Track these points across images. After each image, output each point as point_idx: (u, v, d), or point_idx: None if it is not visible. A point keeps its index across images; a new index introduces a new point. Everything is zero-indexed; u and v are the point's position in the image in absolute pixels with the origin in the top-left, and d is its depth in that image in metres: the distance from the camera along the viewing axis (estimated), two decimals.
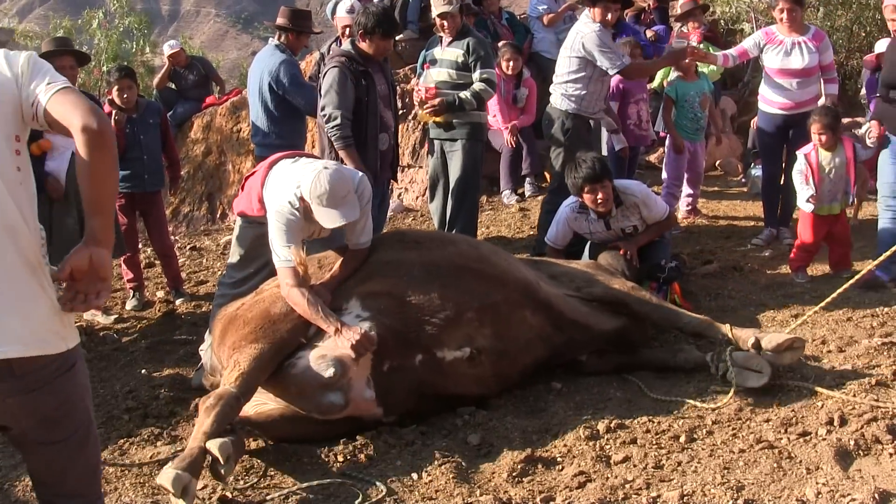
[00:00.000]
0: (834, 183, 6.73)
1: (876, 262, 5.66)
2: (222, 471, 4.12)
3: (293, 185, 4.89)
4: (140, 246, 8.05)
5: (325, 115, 6.54)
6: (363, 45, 6.62)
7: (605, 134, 8.70)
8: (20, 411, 2.64)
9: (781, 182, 7.92)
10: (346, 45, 6.84)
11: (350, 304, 4.88)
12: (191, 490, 3.92)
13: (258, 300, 4.96)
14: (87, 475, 2.92)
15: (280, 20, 7.76)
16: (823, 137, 6.66)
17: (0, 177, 2.55)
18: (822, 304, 5.54)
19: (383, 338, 4.74)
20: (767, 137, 7.86)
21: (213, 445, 4.10)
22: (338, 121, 6.43)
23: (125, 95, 7.28)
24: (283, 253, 4.84)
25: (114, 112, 7.19)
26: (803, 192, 6.74)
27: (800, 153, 6.85)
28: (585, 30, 7.32)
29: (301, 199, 4.83)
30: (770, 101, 7.71)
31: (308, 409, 4.68)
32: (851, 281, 5.59)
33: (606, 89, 7.69)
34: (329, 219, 4.83)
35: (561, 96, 7.54)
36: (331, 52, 7.18)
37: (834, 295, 5.48)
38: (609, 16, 7.25)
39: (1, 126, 2.58)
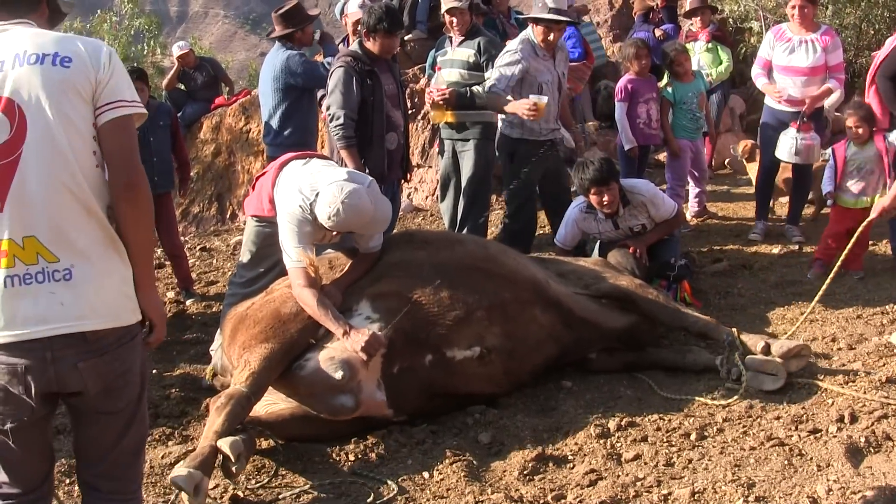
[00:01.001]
0: (864, 177, 6.72)
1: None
2: (234, 469, 4.15)
3: (307, 190, 4.90)
4: None
5: (329, 115, 6.60)
6: (369, 44, 6.64)
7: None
8: (90, 375, 2.80)
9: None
10: (353, 45, 6.85)
11: (360, 305, 4.89)
12: (203, 488, 3.95)
13: (268, 300, 4.97)
14: (128, 456, 3.05)
15: (279, 28, 7.84)
16: (861, 130, 6.67)
17: (77, 160, 2.76)
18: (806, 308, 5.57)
19: (393, 339, 4.75)
20: (771, 131, 7.82)
21: (225, 444, 4.12)
22: (340, 120, 6.46)
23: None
24: (294, 254, 4.85)
25: None
26: (826, 187, 6.77)
27: (830, 149, 6.86)
28: (506, 47, 7.13)
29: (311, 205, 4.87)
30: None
31: (318, 410, 4.69)
32: (829, 279, 5.58)
33: (552, 112, 7.14)
34: (371, 236, 5.06)
35: (503, 121, 7.27)
36: (338, 53, 7.20)
37: (819, 294, 5.57)
38: (552, 36, 6.90)
39: (77, 111, 2.78)
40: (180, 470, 3.93)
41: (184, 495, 3.93)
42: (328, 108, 6.61)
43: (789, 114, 7.53)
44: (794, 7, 7.53)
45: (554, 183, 7.41)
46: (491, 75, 6.93)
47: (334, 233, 4.96)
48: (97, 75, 2.80)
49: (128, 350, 2.89)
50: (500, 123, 7.31)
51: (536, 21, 6.91)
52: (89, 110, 2.79)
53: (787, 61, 7.54)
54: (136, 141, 2.87)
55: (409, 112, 10.46)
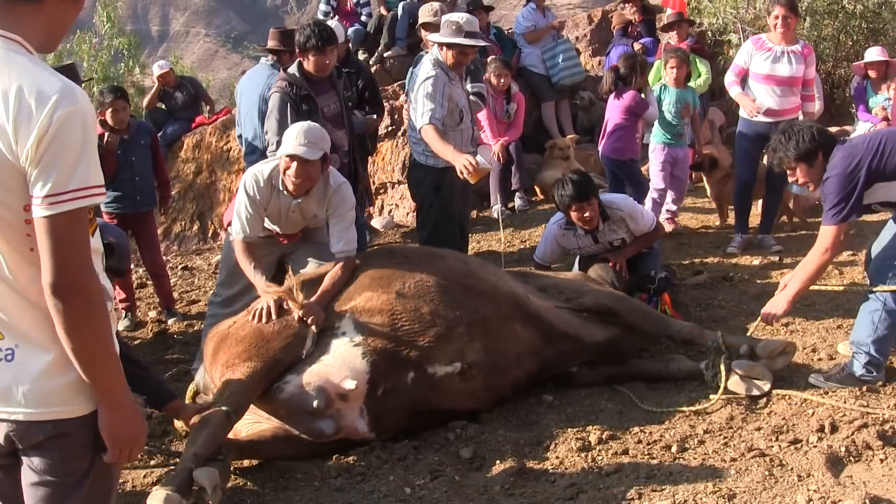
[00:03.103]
0: None
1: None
2: (209, 501, 4.04)
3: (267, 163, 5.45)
4: (132, 266, 8.04)
5: (266, 141, 6.50)
6: (305, 64, 6.46)
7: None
8: (14, 431, 2.45)
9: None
10: (292, 67, 6.60)
11: (342, 323, 4.88)
12: None
13: (250, 318, 4.96)
14: None
15: (271, 43, 7.84)
16: None
17: (6, 249, 2.38)
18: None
19: (378, 362, 4.74)
20: (747, 143, 7.83)
21: (200, 475, 4.03)
22: (274, 147, 6.35)
23: (119, 116, 7.27)
24: (237, 227, 5.43)
25: (106, 134, 7.16)
26: None
27: None
28: (421, 75, 6.58)
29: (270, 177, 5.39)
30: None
31: (300, 431, 4.70)
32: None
33: (469, 136, 6.88)
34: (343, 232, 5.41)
35: (423, 154, 6.72)
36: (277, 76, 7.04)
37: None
38: (466, 60, 6.63)
39: (3, 199, 2.32)
40: (158, 492, 3.88)
41: None
42: (266, 133, 6.53)
43: (767, 125, 7.55)
44: (777, 17, 7.54)
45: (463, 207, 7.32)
46: (418, 106, 6.50)
47: (296, 196, 5.42)
48: (19, 163, 2.27)
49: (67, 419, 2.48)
50: (415, 155, 6.92)
51: (449, 45, 6.51)
52: (15, 193, 2.32)
53: (771, 69, 7.54)
54: (75, 237, 2.33)
55: (389, 129, 10.51)
